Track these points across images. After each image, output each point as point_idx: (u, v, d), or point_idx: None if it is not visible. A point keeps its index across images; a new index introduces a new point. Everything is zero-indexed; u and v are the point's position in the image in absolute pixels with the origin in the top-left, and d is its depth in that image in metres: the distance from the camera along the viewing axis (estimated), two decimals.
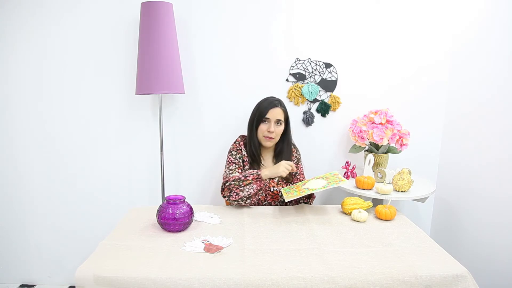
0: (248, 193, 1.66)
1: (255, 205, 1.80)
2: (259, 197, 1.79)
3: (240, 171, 1.79)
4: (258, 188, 1.67)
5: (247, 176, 1.66)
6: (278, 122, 1.80)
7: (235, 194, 1.67)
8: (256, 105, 1.85)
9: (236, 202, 1.69)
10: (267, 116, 1.77)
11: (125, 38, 2.07)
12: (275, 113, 1.78)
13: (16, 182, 2.22)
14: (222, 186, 1.72)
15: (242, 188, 1.67)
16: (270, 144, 1.82)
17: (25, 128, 2.16)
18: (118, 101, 2.15)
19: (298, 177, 1.89)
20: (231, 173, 1.75)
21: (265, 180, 1.70)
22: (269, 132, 1.77)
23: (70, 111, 2.15)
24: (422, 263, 1.23)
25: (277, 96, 1.90)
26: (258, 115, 1.79)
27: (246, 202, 1.69)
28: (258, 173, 1.67)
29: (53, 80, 2.11)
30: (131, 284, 1.13)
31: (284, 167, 1.66)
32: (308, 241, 1.39)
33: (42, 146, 2.18)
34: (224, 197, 1.72)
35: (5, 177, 2.21)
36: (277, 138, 1.83)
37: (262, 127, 1.79)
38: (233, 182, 1.68)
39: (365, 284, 1.14)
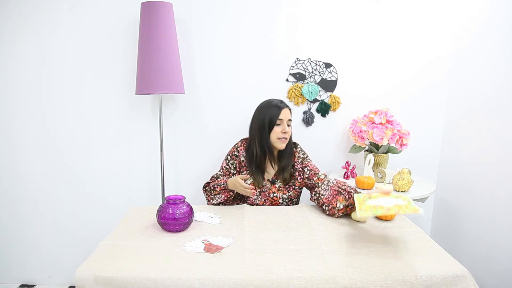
0: (218, 201, 1.77)
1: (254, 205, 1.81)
2: (230, 201, 1.80)
3: (225, 178, 1.83)
4: (226, 197, 1.75)
5: (216, 187, 1.77)
6: (289, 123, 1.78)
7: (210, 199, 1.80)
8: (259, 110, 1.80)
9: (212, 205, 1.79)
10: (280, 117, 1.74)
11: (125, 38, 2.07)
12: (286, 114, 1.76)
13: (16, 182, 2.22)
14: (204, 187, 1.84)
15: (212, 196, 1.79)
16: (284, 145, 1.77)
17: (25, 128, 2.16)
18: (118, 101, 2.15)
19: (309, 172, 1.81)
20: (216, 178, 1.84)
21: (232, 191, 1.74)
22: (284, 133, 1.75)
23: (71, 111, 2.15)
24: (422, 263, 1.22)
25: (277, 96, 1.90)
26: (271, 119, 1.74)
27: (220, 205, 1.79)
28: (225, 184, 1.74)
29: (54, 80, 2.11)
30: (131, 284, 1.13)
31: (245, 191, 1.66)
32: (308, 241, 1.39)
33: (42, 146, 2.18)
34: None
35: (6, 177, 2.21)
36: (288, 140, 1.79)
37: (276, 130, 1.75)
38: (207, 189, 1.81)
39: (365, 284, 1.14)
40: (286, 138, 1.77)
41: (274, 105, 1.77)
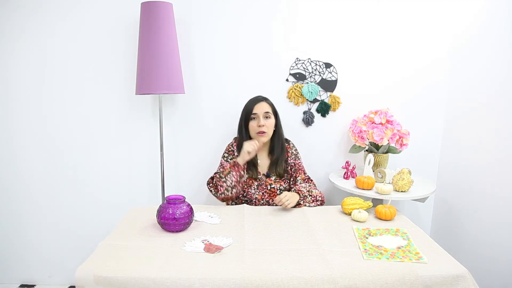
0: (231, 181, 1.72)
1: (254, 204, 1.81)
2: (242, 185, 1.79)
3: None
4: (238, 173, 1.72)
5: (225, 167, 1.76)
6: (266, 115, 1.81)
7: (220, 187, 1.73)
8: (242, 109, 1.88)
9: (223, 195, 1.74)
10: (254, 111, 1.79)
11: (125, 38, 2.07)
12: (261, 107, 1.80)
13: (16, 182, 2.22)
14: (208, 183, 1.80)
15: (224, 179, 1.73)
16: (264, 139, 1.81)
17: (25, 128, 2.16)
18: (118, 101, 2.15)
19: (298, 172, 1.88)
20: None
21: (242, 165, 1.75)
22: (260, 126, 1.78)
23: (71, 111, 2.15)
24: (422, 263, 1.23)
25: (277, 96, 1.92)
26: (245, 114, 1.82)
27: (233, 192, 1.73)
28: (234, 160, 1.76)
29: (54, 80, 2.11)
30: (131, 284, 1.13)
31: (247, 147, 1.72)
32: (308, 241, 1.39)
33: (42, 146, 2.18)
34: (211, 191, 1.79)
35: (6, 177, 2.21)
36: (270, 132, 1.83)
37: (252, 124, 1.80)
38: (217, 176, 1.77)
39: (365, 284, 1.15)
40: (264, 132, 1.79)
41: (249, 101, 1.85)
